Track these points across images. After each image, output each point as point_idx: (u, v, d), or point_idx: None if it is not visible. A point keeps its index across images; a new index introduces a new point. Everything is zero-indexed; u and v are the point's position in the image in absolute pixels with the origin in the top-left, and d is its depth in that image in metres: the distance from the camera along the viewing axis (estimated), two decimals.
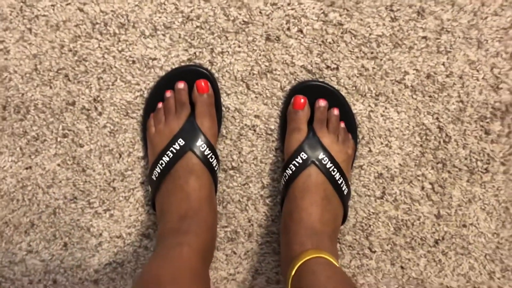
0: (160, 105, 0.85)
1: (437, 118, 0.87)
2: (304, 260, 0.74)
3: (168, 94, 0.84)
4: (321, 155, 0.83)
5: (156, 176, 0.83)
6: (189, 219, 0.79)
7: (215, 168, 0.84)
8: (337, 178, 0.83)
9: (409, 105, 0.87)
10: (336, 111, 0.85)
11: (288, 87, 0.86)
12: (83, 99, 0.87)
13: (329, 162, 0.83)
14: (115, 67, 0.86)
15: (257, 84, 0.87)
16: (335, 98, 0.85)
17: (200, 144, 0.82)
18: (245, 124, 0.88)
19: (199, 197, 0.81)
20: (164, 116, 0.85)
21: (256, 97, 0.87)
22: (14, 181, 0.89)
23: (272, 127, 0.88)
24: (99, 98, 0.87)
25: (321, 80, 0.86)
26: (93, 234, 0.91)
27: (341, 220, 0.87)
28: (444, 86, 0.86)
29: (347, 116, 0.86)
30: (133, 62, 0.86)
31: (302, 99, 0.83)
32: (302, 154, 0.83)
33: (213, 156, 0.83)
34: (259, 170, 0.90)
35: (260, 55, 0.86)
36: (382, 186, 0.90)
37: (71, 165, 0.89)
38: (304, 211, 0.81)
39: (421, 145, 0.88)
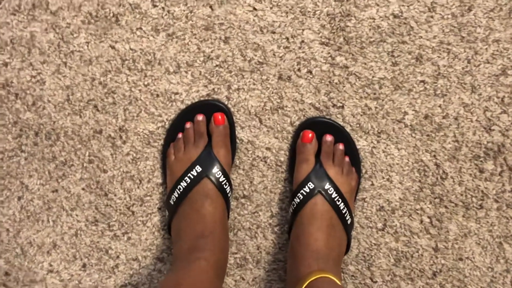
0: (180, 135, 0.92)
1: (434, 156, 0.94)
2: (310, 279, 0.79)
3: (188, 125, 0.92)
4: (327, 185, 0.89)
5: (174, 200, 0.89)
6: (205, 239, 0.84)
7: (229, 195, 0.91)
8: (341, 208, 0.89)
9: (408, 142, 0.94)
10: (341, 146, 0.92)
11: (297, 123, 0.94)
12: (109, 128, 0.94)
13: (334, 192, 0.89)
14: (141, 99, 0.94)
15: (269, 119, 0.94)
16: (341, 134, 0.92)
17: (216, 171, 0.89)
18: (257, 156, 0.95)
19: (213, 220, 0.87)
20: (184, 145, 0.92)
21: (268, 131, 0.94)
22: (41, 203, 0.96)
23: (282, 159, 0.95)
24: (124, 128, 0.94)
25: (327, 117, 0.93)
26: (111, 256, 0.96)
27: (345, 249, 0.92)
28: (440, 126, 0.93)
29: (351, 151, 0.93)
30: (157, 95, 0.93)
31: (310, 134, 0.91)
32: (310, 184, 0.89)
33: (227, 183, 0.90)
34: (269, 200, 0.96)
35: (272, 93, 0.93)
36: (384, 218, 0.96)
37: (95, 189, 0.95)
38: (311, 236, 0.87)
39: (419, 181, 0.95)
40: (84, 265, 0.96)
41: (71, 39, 0.92)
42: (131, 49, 0.93)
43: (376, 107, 0.93)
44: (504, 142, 0.93)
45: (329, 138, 0.91)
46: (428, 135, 0.93)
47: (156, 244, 0.96)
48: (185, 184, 0.88)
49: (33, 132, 0.94)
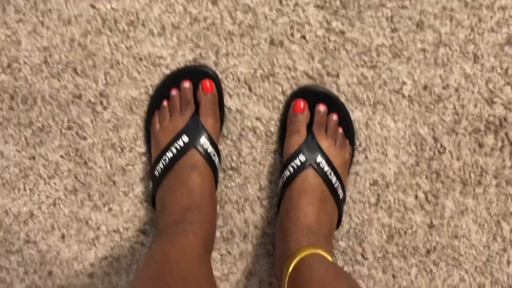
0: (165, 102, 0.88)
1: (432, 129, 0.90)
2: (301, 256, 0.76)
3: (174, 92, 0.87)
4: (319, 158, 0.85)
5: (159, 171, 0.85)
6: (192, 211, 0.81)
7: (217, 166, 0.86)
8: (333, 182, 0.85)
9: (406, 114, 0.89)
10: (335, 116, 0.87)
11: (289, 91, 0.89)
12: (89, 93, 0.89)
13: (327, 165, 0.85)
14: (123, 63, 0.88)
15: (259, 86, 0.89)
16: (335, 104, 0.88)
17: (203, 141, 0.84)
18: (246, 126, 0.90)
19: (201, 192, 0.83)
20: (169, 113, 0.87)
21: (258, 100, 0.90)
22: (17, 170, 0.91)
23: (272, 129, 0.90)
24: (105, 93, 0.89)
25: (321, 86, 0.88)
26: (91, 227, 0.93)
27: (336, 224, 0.89)
28: (440, 97, 0.89)
29: (345, 122, 0.88)
30: (140, 59, 0.88)
31: (302, 103, 0.86)
32: (301, 156, 0.85)
33: (215, 153, 0.85)
34: (257, 172, 0.92)
35: (263, 59, 0.88)
36: (377, 193, 0.92)
37: (74, 157, 0.91)
38: (300, 211, 0.83)
39: (416, 155, 0.91)
40: (63, 236, 0.93)
41: None
42: (112, 8, 0.87)
43: (372, 76, 0.88)
44: (506, 115, 0.89)
45: (322, 108, 0.86)
46: (426, 107, 0.89)
47: (139, 216, 0.92)
48: (171, 155, 0.84)
49: (9, 95, 0.89)
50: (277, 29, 0.88)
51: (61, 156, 0.91)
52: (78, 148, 0.90)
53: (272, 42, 0.88)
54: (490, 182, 0.90)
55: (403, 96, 0.89)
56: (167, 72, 0.88)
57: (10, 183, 0.91)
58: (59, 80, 0.89)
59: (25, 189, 0.92)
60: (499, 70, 0.88)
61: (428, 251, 0.93)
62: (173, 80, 0.88)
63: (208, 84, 0.86)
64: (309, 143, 0.86)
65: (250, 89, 0.89)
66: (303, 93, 0.88)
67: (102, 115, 0.90)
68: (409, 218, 0.92)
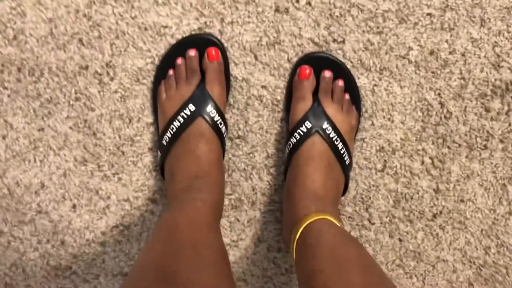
0: (171, 72, 0.87)
1: (439, 94, 0.90)
2: (309, 221, 0.76)
3: (180, 61, 0.87)
4: (325, 125, 0.85)
5: (167, 140, 0.85)
6: (200, 179, 0.81)
7: (224, 134, 0.87)
8: (339, 148, 0.86)
9: (412, 80, 0.89)
10: (341, 82, 0.87)
11: (295, 59, 0.88)
12: (96, 64, 0.89)
13: (333, 131, 0.85)
14: (128, 33, 0.88)
15: (265, 55, 0.89)
16: (340, 70, 0.87)
17: (210, 110, 0.85)
18: (252, 94, 0.90)
19: (209, 160, 0.84)
20: (175, 82, 0.87)
21: (264, 68, 0.89)
22: (27, 142, 0.92)
23: (279, 97, 0.90)
24: (111, 63, 0.89)
25: (327, 52, 0.88)
26: (101, 197, 0.94)
27: (342, 190, 0.89)
28: (446, 62, 0.88)
29: (352, 88, 0.88)
30: (146, 29, 0.88)
31: (307, 70, 0.86)
32: (307, 123, 0.85)
33: (222, 122, 0.86)
34: (264, 140, 0.92)
35: (268, 26, 0.88)
36: (383, 159, 0.92)
37: (82, 128, 0.91)
38: (307, 177, 0.84)
39: (422, 120, 0.91)
40: (74, 206, 0.94)
41: None
42: None
43: (379, 42, 0.88)
44: None
45: (327, 74, 0.86)
46: (433, 72, 0.89)
47: (148, 185, 0.93)
48: (178, 124, 0.84)
49: (16, 68, 0.89)
50: None
51: (70, 127, 0.91)
52: (86, 119, 0.91)
53: (277, 10, 0.87)
54: (496, 146, 0.91)
55: (410, 62, 0.88)
56: (173, 41, 0.88)
57: (20, 154, 0.92)
58: (65, 51, 0.89)
59: (35, 161, 0.92)
60: (506, 34, 0.87)
61: (434, 215, 0.94)
62: (178, 49, 0.87)
63: (213, 52, 0.86)
64: (315, 110, 0.86)
65: (255, 58, 0.89)
66: (308, 60, 0.87)
67: (109, 86, 0.90)
68: (415, 183, 0.93)
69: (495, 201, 0.93)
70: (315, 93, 0.87)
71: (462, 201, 0.93)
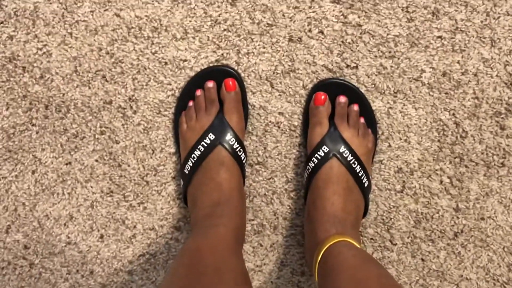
0: (191, 103, 0.91)
1: (453, 114, 0.91)
2: (329, 244, 0.78)
3: (199, 92, 0.90)
4: (342, 148, 0.87)
5: (188, 169, 0.88)
6: (222, 205, 0.84)
7: (243, 161, 0.89)
8: (357, 171, 0.87)
9: (426, 101, 0.91)
10: (356, 107, 0.89)
11: (310, 86, 0.91)
12: (119, 98, 0.93)
13: (350, 155, 0.87)
14: (149, 68, 0.92)
15: (280, 82, 0.92)
16: (355, 95, 0.90)
17: (229, 138, 0.88)
18: (270, 121, 0.93)
19: (229, 187, 0.86)
20: (195, 113, 0.90)
21: (280, 95, 0.92)
22: (55, 176, 0.95)
23: (296, 123, 0.93)
24: (134, 98, 0.93)
25: (341, 78, 0.91)
26: (127, 226, 0.96)
27: (363, 212, 0.91)
28: (459, 83, 0.90)
29: (367, 112, 0.90)
30: (166, 63, 0.92)
31: (322, 96, 0.88)
32: (324, 148, 0.87)
33: (241, 149, 0.88)
34: (284, 165, 0.94)
35: (283, 55, 0.91)
36: (402, 180, 0.94)
37: (108, 161, 0.95)
38: (327, 201, 0.85)
39: (438, 140, 0.92)
40: (101, 236, 0.97)
41: (75, 8, 0.90)
42: (136, 16, 0.90)
43: (391, 66, 0.90)
44: None
45: (342, 99, 0.89)
46: (446, 93, 0.90)
47: (172, 213, 0.96)
48: (199, 153, 0.87)
49: (43, 105, 0.93)
50: (295, 26, 0.90)
51: (96, 160, 0.95)
52: (111, 152, 0.94)
53: (291, 39, 0.90)
54: None
55: (423, 84, 0.90)
56: (192, 74, 0.91)
57: (49, 188, 0.96)
58: (89, 87, 0.93)
59: (63, 194, 0.96)
60: None
61: (455, 234, 0.94)
62: (197, 81, 0.91)
63: (231, 83, 0.89)
64: (332, 134, 0.88)
65: (272, 86, 0.92)
66: (323, 86, 0.90)
67: (132, 119, 0.93)
68: (435, 203, 0.94)
69: None
70: (331, 118, 0.89)
71: (482, 219, 0.94)
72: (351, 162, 0.87)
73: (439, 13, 0.88)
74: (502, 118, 0.91)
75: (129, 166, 0.95)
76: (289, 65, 0.91)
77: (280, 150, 0.94)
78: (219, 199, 0.85)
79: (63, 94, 0.93)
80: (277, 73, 0.91)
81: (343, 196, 0.86)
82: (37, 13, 0.91)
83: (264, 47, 0.91)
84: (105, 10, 0.90)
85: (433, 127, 0.92)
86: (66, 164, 0.95)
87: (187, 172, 0.89)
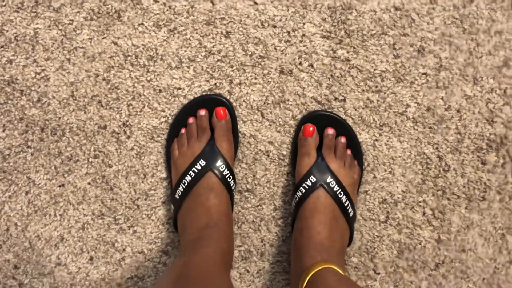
0: (183, 130, 0.94)
1: (437, 148, 0.94)
2: (315, 270, 0.80)
3: (191, 120, 0.93)
4: (329, 179, 0.90)
5: (179, 194, 0.91)
6: (210, 229, 0.86)
7: (232, 188, 0.92)
8: (343, 201, 0.90)
9: (411, 135, 0.94)
10: (343, 139, 0.92)
11: (299, 116, 0.94)
12: (113, 123, 0.95)
13: (336, 185, 0.90)
14: (144, 95, 0.95)
15: (271, 112, 0.95)
16: (342, 127, 0.93)
17: (219, 164, 0.90)
18: (260, 150, 0.96)
19: (218, 211, 0.88)
20: (187, 140, 0.93)
21: (270, 125, 0.95)
22: (48, 198, 0.97)
23: (284, 152, 0.96)
24: (128, 123, 0.95)
25: (329, 110, 0.94)
26: (117, 249, 0.98)
27: (348, 241, 0.93)
28: (443, 118, 0.94)
29: (353, 143, 0.93)
30: (160, 91, 0.94)
31: (311, 127, 0.91)
32: (312, 178, 0.90)
33: (231, 176, 0.91)
34: (272, 193, 0.97)
35: (274, 87, 0.94)
36: (386, 211, 0.96)
37: (100, 184, 0.97)
38: (313, 229, 0.88)
39: (422, 173, 0.95)
40: (91, 258, 0.98)
41: (74, 35, 0.93)
42: (133, 45, 0.93)
43: (378, 100, 0.93)
44: (506, 134, 0.93)
45: (330, 131, 0.92)
46: (430, 128, 0.94)
47: (161, 237, 0.98)
48: (190, 178, 0.90)
49: (39, 128, 0.96)
50: (286, 59, 0.93)
51: (89, 183, 0.97)
52: (104, 175, 0.97)
53: (281, 71, 0.94)
54: (494, 197, 0.94)
55: (408, 118, 0.94)
56: (185, 101, 0.94)
57: (41, 209, 0.98)
58: (85, 112, 0.95)
59: (55, 215, 0.98)
60: (498, 91, 0.92)
61: (437, 265, 0.97)
62: (190, 109, 0.94)
63: (222, 112, 0.91)
64: (319, 165, 0.91)
65: (262, 115, 0.95)
66: (312, 117, 0.93)
67: (125, 144, 0.96)
68: (418, 233, 0.96)
69: (495, 251, 0.96)
70: (319, 149, 0.92)
71: (463, 250, 0.96)
72: (337, 192, 0.90)
73: (425, 51, 0.92)
74: (483, 153, 0.94)
75: (121, 189, 0.97)
76: (279, 96, 0.94)
77: (268, 178, 0.97)
78: (207, 223, 0.87)
79: (59, 118, 0.95)
80: (268, 104, 0.94)
81: (329, 225, 0.88)
82: (37, 39, 0.94)
83: (256, 78, 0.94)
84: (103, 38, 0.93)
85: (417, 160, 0.95)
86: (59, 186, 0.97)
87: (177, 197, 0.91)
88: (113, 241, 0.98)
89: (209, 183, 0.90)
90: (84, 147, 0.96)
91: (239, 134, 0.95)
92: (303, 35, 0.92)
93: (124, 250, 0.98)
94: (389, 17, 0.91)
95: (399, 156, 0.95)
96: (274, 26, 0.92)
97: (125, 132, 0.96)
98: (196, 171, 0.90)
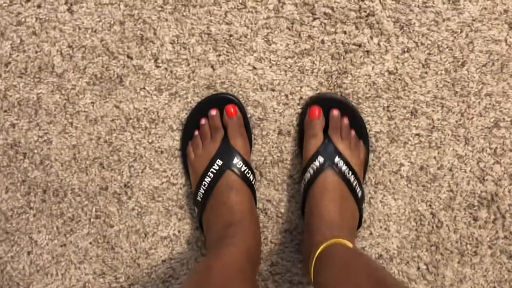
0: (196, 132, 0.94)
1: (430, 205, 0.97)
2: (326, 244, 0.80)
3: (203, 121, 0.94)
4: (337, 159, 0.91)
5: (201, 196, 0.91)
6: (234, 227, 0.86)
7: (253, 182, 0.93)
8: (351, 180, 0.91)
9: (405, 193, 0.97)
10: (346, 120, 0.93)
11: (296, 175, 0.97)
12: (115, 184, 0.97)
13: (344, 165, 0.91)
14: (145, 156, 0.97)
15: (269, 172, 0.97)
16: (346, 108, 0.93)
17: (236, 161, 0.91)
18: (258, 208, 0.98)
19: (241, 209, 0.89)
20: (201, 141, 0.94)
21: (268, 184, 0.97)
22: (50, 257, 0.99)
23: (282, 210, 0.98)
24: (129, 184, 0.97)
25: (333, 92, 0.95)
26: None
27: (357, 222, 0.94)
28: (435, 177, 0.96)
29: (358, 124, 0.94)
30: (161, 152, 0.96)
31: (317, 110, 0.92)
32: (319, 158, 0.91)
33: (249, 171, 0.92)
34: (269, 249, 0.99)
35: (272, 147, 0.97)
36: (382, 266, 0.99)
37: (102, 243, 0.98)
38: (324, 208, 0.88)
39: (416, 229, 0.98)
40: None
41: (77, 100, 0.95)
42: (135, 108, 0.95)
43: (372, 160, 0.96)
44: (497, 191, 0.96)
45: (335, 112, 0.92)
46: (423, 186, 0.96)
47: None
48: (209, 179, 0.91)
49: (41, 189, 0.97)
50: (284, 120, 0.96)
51: (90, 243, 0.98)
52: (105, 235, 0.98)
53: (280, 132, 0.96)
54: (486, 252, 0.97)
55: (402, 177, 0.97)
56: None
57: (43, 269, 0.99)
58: (87, 174, 0.97)
59: (57, 274, 0.99)
60: (488, 151, 0.95)
61: None
62: (200, 110, 0.94)
63: (232, 109, 0.92)
64: (327, 146, 0.91)
65: (261, 174, 0.97)
66: (317, 100, 0.94)
67: (127, 204, 0.98)
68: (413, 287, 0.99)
69: None
70: (325, 130, 0.93)
71: None
72: (345, 172, 0.90)
73: (417, 113, 0.95)
74: (475, 210, 0.97)
75: (121, 249, 0.98)
76: (277, 156, 0.97)
77: (266, 235, 0.99)
78: (231, 222, 0.87)
79: (61, 180, 0.97)
80: (267, 163, 0.97)
81: (339, 204, 0.89)
82: (40, 103, 0.95)
83: (255, 139, 0.96)
84: (105, 102, 0.95)
85: (411, 217, 0.98)
86: (61, 246, 0.98)
87: (199, 199, 0.92)
88: None
89: (228, 181, 0.91)
90: (86, 208, 0.98)
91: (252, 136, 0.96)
92: (301, 97, 0.95)
93: None
94: (383, 80, 0.94)
95: (394, 213, 0.97)
96: (273, 90, 0.95)
97: (126, 193, 0.97)
98: (215, 171, 0.91)
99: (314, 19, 0.92)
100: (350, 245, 0.80)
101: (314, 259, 0.80)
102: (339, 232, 0.85)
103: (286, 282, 0.99)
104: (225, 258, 0.78)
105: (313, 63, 0.94)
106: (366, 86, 0.94)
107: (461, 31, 0.92)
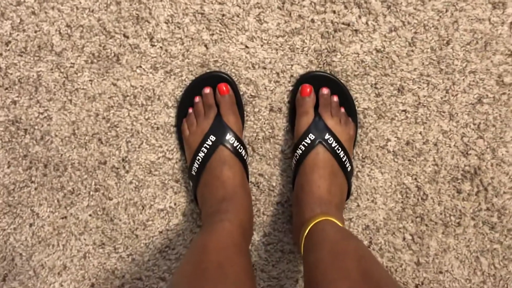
0: (190, 110, 0.97)
1: (415, 179, 1.00)
2: (315, 221, 0.83)
3: (197, 99, 0.96)
4: (327, 136, 0.93)
5: (195, 171, 0.94)
6: (227, 202, 0.89)
7: (245, 157, 0.96)
8: (341, 156, 0.93)
9: (391, 167, 1.00)
10: (335, 98, 0.95)
11: (288, 151, 1.00)
12: (113, 159, 1.01)
13: (334, 141, 0.93)
14: (142, 132, 1.00)
15: (261, 147, 1.00)
16: (336, 86, 0.96)
17: (229, 138, 0.94)
18: (251, 181, 1.01)
19: (233, 184, 0.92)
20: (195, 118, 0.96)
21: (260, 158, 1.01)
22: (51, 229, 1.02)
23: (274, 184, 1.01)
24: (127, 159, 1.01)
25: (323, 70, 0.97)
26: (117, 276, 1.03)
27: (346, 195, 0.97)
28: (421, 151, 0.99)
29: (347, 102, 0.97)
30: (157, 128, 1.00)
31: (308, 88, 0.94)
32: (310, 135, 0.93)
33: (241, 147, 0.95)
34: (262, 221, 1.02)
35: (264, 123, 1.00)
36: (369, 236, 1.02)
37: (101, 215, 1.02)
38: (313, 184, 0.91)
39: (402, 202, 1.01)
40: (92, 285, 1.03)
41: (75, 77, 0.98)
42: (132, 86, 0.98)
43: (360, 135, 0.99)
44: (480, 165, 0.99)
45: (325, 91, 0.95)
46: (409, 160, 0.99)
47: (158, 265, 1.03)
48: (203, 155, 0.93)
49: (42, 164, 1.00)
50: (276, 98, 0.99)
51: (90, 215, 1.02)
52: (104, 207, 1.02)
53: (271, 109, 0.99)
54: (469, 223, 1.00)
55: (388, 151, 0.99)
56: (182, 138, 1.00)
57: (45, 240, 1.02)
58: (86, 149, 1.00)
59: (58, 245, 1.03)
60: (472, 126, 0.98)
61: (416, 286, 1.02)
62: (194, 88, 0.97)
63: (224, 88, 0.95)
64: (317, 123, 0.94)
65: (253, 150, 1.00)
66: (308, 78, 0.96)
67: (125, 178, 1.01)
68: (399, 257, 1.02)
69: (470, 272, 1.01)
70: (316, 108, 0.96)
71: (440, 272, 1.02)
72: (335, 148, 0.93)
73: (404, 90, 0.97)
74: (459, 183, 1.00)
75: (120, 220, 1.02)
76: (269, 132, 1.00)
77: (258, 207, 1.02)
78: (224, 196, 0.90)
79: (61, 155, 1.00)
80: (259, 139, 1.00)
81: (329, 180, 0.92)
82: (40, 81, 0.98)
83: (247, 116, 0.99)
84: (103, 80, 0.98)
85: (397, 190, 1.01)
86: (62, 218, 1.02)
87: (194, 173, 0.94)
88: (113, 268, 1.03)
89: (221, 156, 0.93)
90: (85, 182, 1.01)
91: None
92: (291, 75, 0.98)
93: (123, 277, 1.03)
94: (371, 59, 0.97)
95: (381, 186, 1.00)
96: (264, 68, 0.98)
97: (124, 167, 1.01)
98: (208, 146, 0.93)
99: None
100: (339, 223, 0.83)
101: (304, 237, 0.83)
102: (328, 208, 0.88)
103: (278, 251, 1.03)
104: (220, 234, 0.80)
105: (303, 41, 0.97)
106: (354, 64, 0.97)
107: (446, 11, 0.95)
